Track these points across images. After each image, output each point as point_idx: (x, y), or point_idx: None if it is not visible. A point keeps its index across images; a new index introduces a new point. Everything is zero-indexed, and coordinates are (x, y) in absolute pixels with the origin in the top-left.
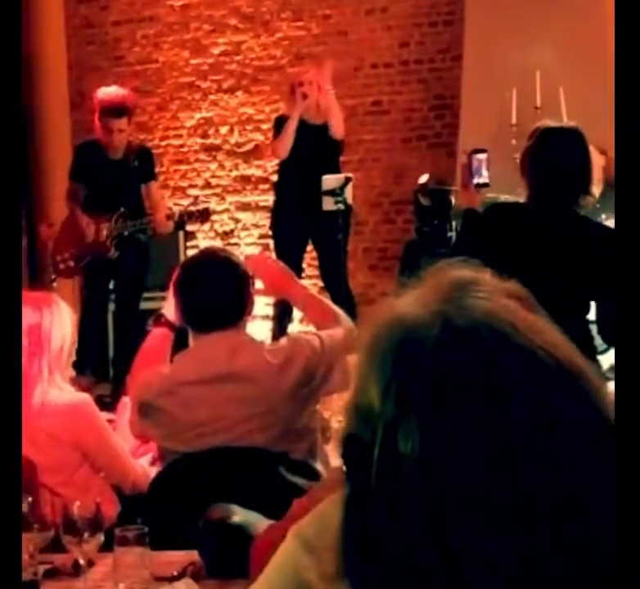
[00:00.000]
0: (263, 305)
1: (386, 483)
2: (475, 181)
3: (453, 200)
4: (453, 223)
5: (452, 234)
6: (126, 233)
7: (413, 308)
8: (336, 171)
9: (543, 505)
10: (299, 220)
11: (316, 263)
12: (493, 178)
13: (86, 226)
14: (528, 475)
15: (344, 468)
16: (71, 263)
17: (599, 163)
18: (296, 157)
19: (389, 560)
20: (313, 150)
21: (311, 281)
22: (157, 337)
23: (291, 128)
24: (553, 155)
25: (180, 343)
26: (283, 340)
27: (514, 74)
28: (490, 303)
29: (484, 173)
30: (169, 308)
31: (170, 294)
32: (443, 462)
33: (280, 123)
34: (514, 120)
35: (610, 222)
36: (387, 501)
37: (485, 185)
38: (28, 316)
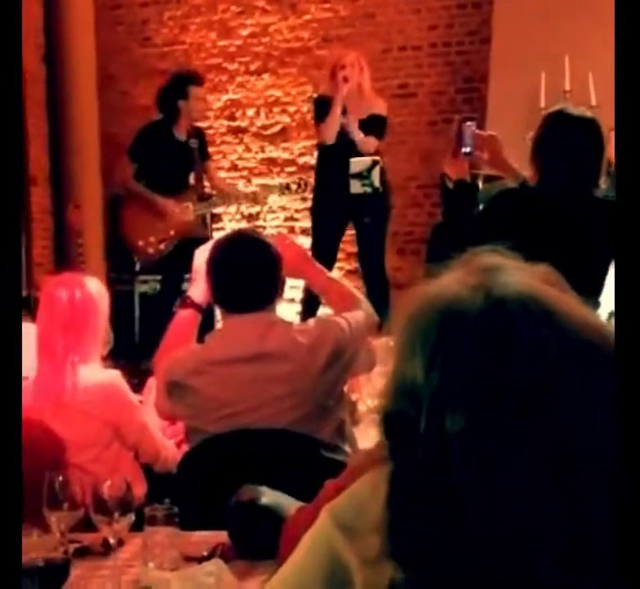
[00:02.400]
0: (288, 288)
1: (434, 457)
2: (463, 150)
3: (480, 184)
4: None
5: None
6: (209, 213)
7: (450, 286)
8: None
9: (586, 474)
10: (337, 204)
11: (343, 246)
12: (521, 163)
13: (171, 207)
14: (577, 447)
15: (388, 445)
16: (162, 247)
17: None
18: (338, 144)
19: (438, 535)
20: (353, 141)
21: (337, 264)
22: (184, 319)
23: (336, 112)
24: (563, 141)
25: (205, 325)
26: (312, 321)
27: (543, 58)
28: (526, 279)
29: (472, 142)
30: (195, 290)
31: (195, 276)
32: (491, 432)
33: (320, 105)
34: (543, 104)
35: None
36: (435, 473)
37: (470, 154)
38: (60, 295)
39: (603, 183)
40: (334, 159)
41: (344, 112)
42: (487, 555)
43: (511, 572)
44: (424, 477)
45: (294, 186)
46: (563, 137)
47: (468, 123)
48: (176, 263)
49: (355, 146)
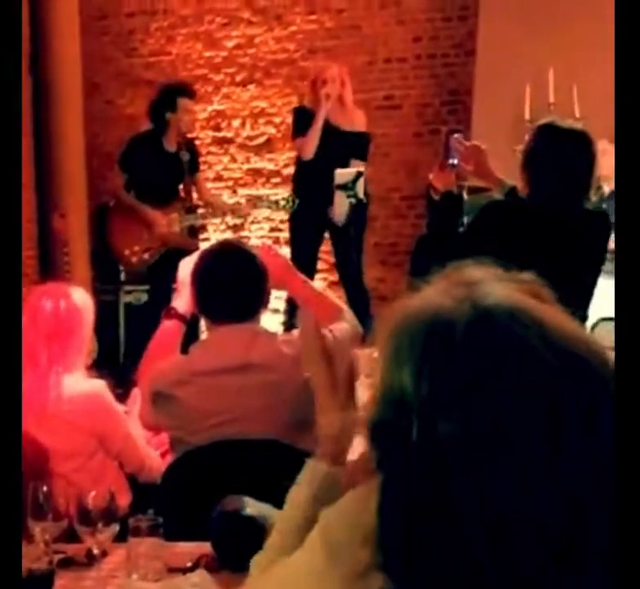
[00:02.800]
0: (271, 299)
1: (426, 465)
2: (450, 161)
3: (465, 195)
4: (465, 218)
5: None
6: (197, 225)
7: (435, 298)
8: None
9: (581, 481)
10: (315, 215)
11: (327, 257)
12: (506, 174)
13: (158, 218)
14: (570, 454)
15: (377, 455)
16: (146, 256)
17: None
18: (317, 157)
19: (434, 543)
20: (335, 152)
21: (321, 275)
22: (168, 329)
23: (317, 128)
24: (556, 154)
25: (190, 336)
26: (296, 332)
27: (527, 70)
28: (510, 291)
29: (458, 154)
30: (180, 301)
31: (180, 287)
32: (483, 439)
33: (300, 116)
34: (527, 116)
35: None
36: (427, 482)
37: (456, 166)
38: (44, 305)
39: (594, 195)
40: (311, 170)
41: (326, 125)
42: (482, 562)
43: (506, 578)
44: (415, 486)
45: (282, 202)
46: (554, 148)
47: (455, 135)
48: (164, 274)
49: (332, 158)
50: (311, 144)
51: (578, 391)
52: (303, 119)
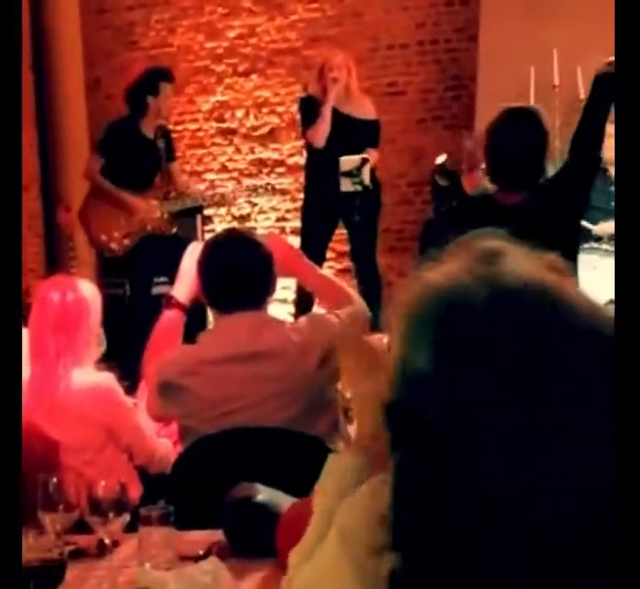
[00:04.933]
0: (279, 289)
1: (445, 447)
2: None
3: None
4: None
5: None
6: (177, 210)
7: (454, 275)
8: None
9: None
10: (326, 204)
11: (334, 245)
12: None
13: (138, 203)
14: (587, 436)
15: (393, 435)
16: (126, 242)
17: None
18: (329, 145)
19: (444, 525)
20: (347, 140)
21: (328, 264)
22: (169, 319)
23: (327, 115)
24: (507, 137)
25: (198, 324)
26: (304, 319)
27: (531, 53)
28: (532, 267)
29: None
30: (180, 290)
31: (181, 277)
32: (503, 420)
33: (307, 105)
34: (532, 100)
35: None
36: (445, 463)
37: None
38: (52, 297)
39: (598, 179)
40: (323, 159)
41: (335, 113)
42: (501, 544)
43: (523, 564)
44: (432, 467)
45: (261, 190)
46: (498, 129)
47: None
48: (144, 265)
49: (344, 146)
50: (322, 131)
51: (604, 370)
52: (310, 108)
